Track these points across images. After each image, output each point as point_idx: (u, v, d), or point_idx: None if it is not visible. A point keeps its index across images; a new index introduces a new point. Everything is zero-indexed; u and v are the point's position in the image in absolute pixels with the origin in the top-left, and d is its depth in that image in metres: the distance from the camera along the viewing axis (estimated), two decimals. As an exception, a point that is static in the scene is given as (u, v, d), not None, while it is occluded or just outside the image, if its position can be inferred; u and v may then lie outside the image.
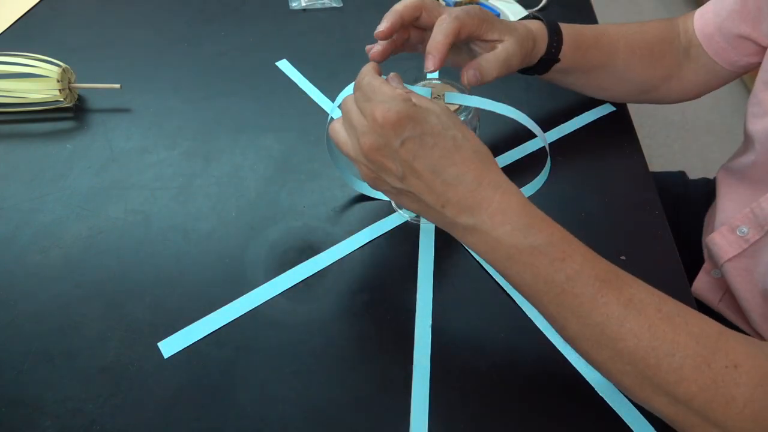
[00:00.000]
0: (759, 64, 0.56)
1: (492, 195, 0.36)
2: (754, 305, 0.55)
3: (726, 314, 0.62)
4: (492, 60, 0.46)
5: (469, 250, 0.46)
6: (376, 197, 0.55)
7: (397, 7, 0.45)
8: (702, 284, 0.63)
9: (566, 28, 0.54)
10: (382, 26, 0.45)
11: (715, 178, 0.78)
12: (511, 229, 0.36)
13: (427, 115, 0.37)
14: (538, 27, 0.52)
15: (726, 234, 0.56)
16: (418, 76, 0.69)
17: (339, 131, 0.40)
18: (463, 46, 0.50)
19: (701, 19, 0.59)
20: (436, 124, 0.37)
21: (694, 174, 0.80)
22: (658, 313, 0.35)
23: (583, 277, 0.35)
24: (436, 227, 0.53)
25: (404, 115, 0.35)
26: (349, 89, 0.43)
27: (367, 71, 0.39)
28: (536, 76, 0.57)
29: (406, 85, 0.42)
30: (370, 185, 0.40)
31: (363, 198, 0.55)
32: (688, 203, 0.74)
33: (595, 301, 0.35)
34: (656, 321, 0.34)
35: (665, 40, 0.60)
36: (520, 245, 0.36)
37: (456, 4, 0.76)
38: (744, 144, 0.61)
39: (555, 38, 0.53)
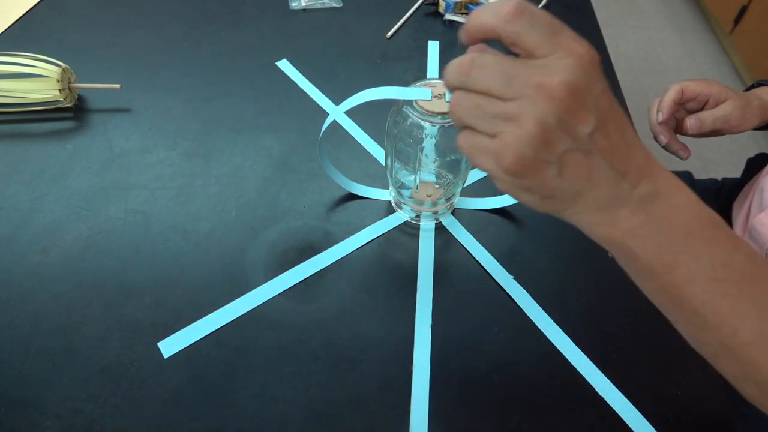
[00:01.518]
0: None
1: (661, 166, 0.31)
2: None
3: None
4: (709, 115, 0.56)
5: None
6: (374, 197, 0.55)
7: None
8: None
9: None
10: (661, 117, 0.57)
11: (723, 179, 0.78)
12: (688, 195, 0.30)
13: None
14: None
15: None
16: (419, 76, 0.69)
17: (492, 66, 0.29)
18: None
19: None
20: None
21: (695, 174, 0.80)
22: None
23: (758, 259, 0.30)
24: (435, 227, 0.54)
25: (599, 58, 0.29)
26: (356, 97, 0.43)
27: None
28: None
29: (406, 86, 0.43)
30: (514, 168, 0.29)
31: (363, 198, 0.55)
32: (705, 190, 0.74)
33: None
34: None
35: None
36: (701, 215, 0.30)
37: (456, 5, 0.76)
38: None
39: None
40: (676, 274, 0.30)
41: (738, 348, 0.31)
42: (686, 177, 0.79)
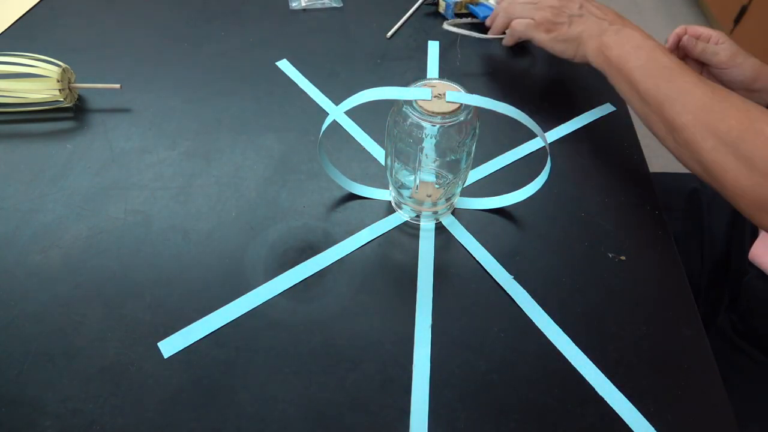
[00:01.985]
0: None
1: (627, 20, 0.60)
2: None
3: None
4: (702, 44, 0.64)
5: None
6: (374, 197, 0.55)
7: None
8: (762, 249, 0.61)
9: None
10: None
11: None
12: (641, 33, 0.56)
13: None
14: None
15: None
16: (419, 76, 0.69)
17: None
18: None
19: None
20: None
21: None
22: (724, 90, 0.49)
23: (683, 67, 0.51)
24: (435, 227, 0.54)
25: None
26: (356, 97, 0.43)
27: None
28: None
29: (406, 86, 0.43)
30: (544, 23, 0.62)
31: (363, 198, 0.55)
32: (709, 191, 0.74)
33: (698, 80, 0.49)
34: (720, 90, 0.49)
35: None
36: (647, 42, 0.54)
37: (456, 5, 0.76)
38: None
39: None
40: (628, 65, 0.53)
41: (655, 105, 0.51)
42: (693, 178, 0.79)
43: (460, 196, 0.55)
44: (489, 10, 0.75)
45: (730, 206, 0.74)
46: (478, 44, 0.74)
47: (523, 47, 0.74)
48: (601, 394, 0.43)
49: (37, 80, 0.59)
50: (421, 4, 0.79)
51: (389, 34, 0.75)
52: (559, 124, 0.64)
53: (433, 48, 0.73)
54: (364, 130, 0.62)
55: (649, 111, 0.51)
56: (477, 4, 0.76)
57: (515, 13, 0.65)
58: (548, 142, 0.56)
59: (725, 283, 0.70)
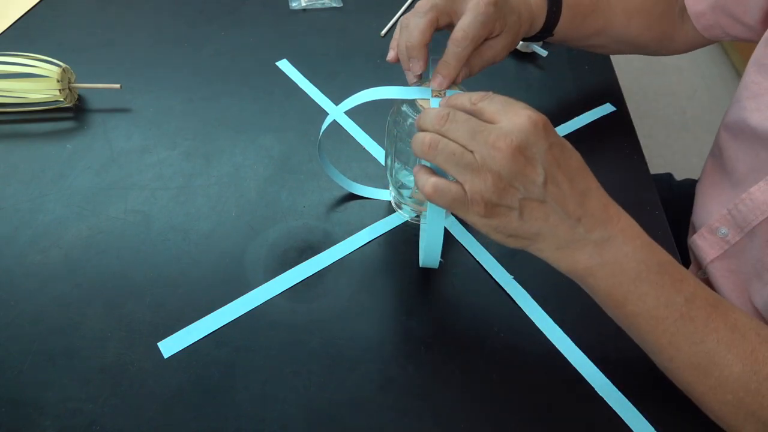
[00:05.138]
0: (743, 39, 0.59)
1: (618, 212, 0.37)
2: (741, 305, 0.55)
3: None
4: (478, 61, 0.46)
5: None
6: (374, 197, 0.55)
7: (413, 41, 0.43)
8: None
9: None
10: (416, 67, 0.43)
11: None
12: (641, 244, 0.36)
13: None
14: (539, 3, 0.52)
15: (706, 236, 0.56)
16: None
17: (440, 147, 0.35)
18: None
19: None
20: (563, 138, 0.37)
21: (695, 174, 0.80)
22: (758, 337, 0.36)
23: (697, 300, 0.36)
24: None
25: (547, 121, 0.35)
26: (356, 97, 0.43)
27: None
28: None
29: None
30: (479, 201, 0.35)
31: (363, 198, 0.55)
32: (673, 206, 0.75)
33: (707, 326, 0.35)
34: (757, 345, 0.35)
35: (665, 1, 0.62)
36: (649, 261, 0.36)
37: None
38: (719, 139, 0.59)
39: (554, 12, 0.54)
40: (625, 309, 0.37)
41: (674, 370, 0.38)
42: (666, 179, 0.79)
43: (460, 196, 0.55)
44: None
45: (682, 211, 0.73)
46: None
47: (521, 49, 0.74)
48: (601, 394, 0.43)
49: (36, 80, 0.59)
50: (411, 3, 0.79)
51: (383, 32, 0.75)
52: (559, 124, 0.64)
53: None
54: (364, 130, 0.62)
55: (655, 358, 0.39)
56: None
57: (437, 157, 0.36)
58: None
59: None
